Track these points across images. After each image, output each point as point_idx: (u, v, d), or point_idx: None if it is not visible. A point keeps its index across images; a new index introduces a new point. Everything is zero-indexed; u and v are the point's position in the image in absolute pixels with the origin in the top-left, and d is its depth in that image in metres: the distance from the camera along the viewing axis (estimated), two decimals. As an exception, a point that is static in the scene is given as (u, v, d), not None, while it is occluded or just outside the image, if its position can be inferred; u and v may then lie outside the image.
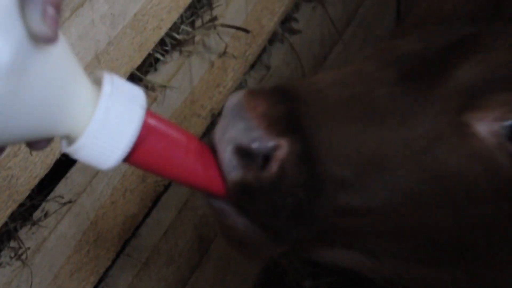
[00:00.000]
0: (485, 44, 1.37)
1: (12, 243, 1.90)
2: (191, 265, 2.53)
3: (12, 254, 1.89)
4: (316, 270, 2.94)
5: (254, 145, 1.27)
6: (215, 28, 2.45)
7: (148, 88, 2.27)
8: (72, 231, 2.02)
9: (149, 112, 1.18)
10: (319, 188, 1.30)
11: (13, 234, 1.91)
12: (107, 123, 1.11)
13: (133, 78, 2.22)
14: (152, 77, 2.29)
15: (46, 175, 1.92)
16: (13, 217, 1.86)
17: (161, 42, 2.26)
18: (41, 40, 1.03)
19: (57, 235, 1.97)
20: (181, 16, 2.30)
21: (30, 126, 1.08)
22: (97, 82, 1.14)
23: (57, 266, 1.98)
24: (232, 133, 1.27)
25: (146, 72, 2.29)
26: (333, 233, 1.35)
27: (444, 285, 1.44)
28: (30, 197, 1.91)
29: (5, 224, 1.83)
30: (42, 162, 1.87)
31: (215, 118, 2.55)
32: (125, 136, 1.13)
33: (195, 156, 1.25)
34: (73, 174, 2.06)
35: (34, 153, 1.82)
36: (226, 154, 1.27)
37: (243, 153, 1.27)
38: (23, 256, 1.89)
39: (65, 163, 2.01)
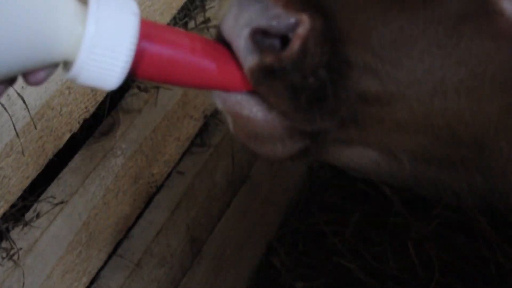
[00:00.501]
0: None
1: (4, 244, 1.89)
2: (183, 266, 2.53)
3: (4, 255, 1.88)
4: (308, 272, 2.95)
5: (273, 24, 1.23)
6: (208, 29, 2.45)
7: (141, 89, 2.28)
8: (64, 232, 2.01)
9: (143, 20, 1.15)
10: (343, 70, 1.27)
11: (5, 234, 1.91)
12: (100, 36, 1.09)
13: (126, 78, 2.23)
14: None
15: (38, 176, 1.91)
16: (5, 217, 1.85)
17: (172, 20, 2.26)
18: None
19: (49, 236, 1.97)
20: (174, 18, 2.30)
21: (21, 51, 1.06)
22: (85, 1, 1.11)
23: (49, 267, 1.97)
24: (247, 17, 1.23)
25: None
26: (354, 125, 1.31)
27: (461, 190, 1.42)
28: (22, 197, 1.91)
29: None
30: (35, 163, 1.87)
31: (207, 120, 2.55)
32: (122, 47, 1.11)
33: (203, 53, 1.22)
34: (65, 174, 2.06)
35: (26, 153, 1.83)
36: (242, 40, 1.23)
37: (260, 36, 1.23)
38: (15, 257, 1.88)
39: (57, 164, 2.01)
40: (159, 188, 2.41)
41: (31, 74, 1.11)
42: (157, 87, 2.31)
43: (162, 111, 2.30)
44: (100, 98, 2.08)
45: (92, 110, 2.04)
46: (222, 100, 1.30)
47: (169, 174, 2.42)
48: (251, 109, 1.29)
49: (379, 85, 1.30)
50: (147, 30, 1.16)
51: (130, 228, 2.31)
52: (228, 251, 2.74)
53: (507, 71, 1.31)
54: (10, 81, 1.11)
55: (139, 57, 1.14)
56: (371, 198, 3.17)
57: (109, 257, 2.24)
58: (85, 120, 2.04)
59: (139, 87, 2.27)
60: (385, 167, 1.40)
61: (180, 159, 2.48)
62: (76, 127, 2.01)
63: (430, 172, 1.40)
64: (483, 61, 1.31)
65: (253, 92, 1.27)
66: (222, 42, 1.26)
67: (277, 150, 1.32)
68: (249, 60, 1.23)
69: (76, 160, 2.09)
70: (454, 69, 1.31)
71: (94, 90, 2.03)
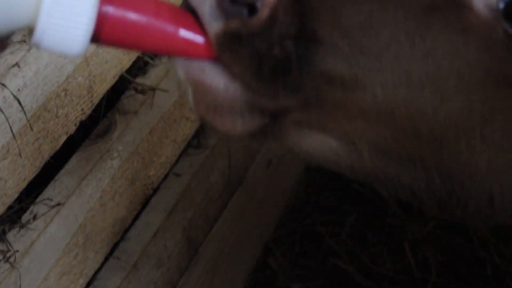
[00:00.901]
0: None
1: (1, 246, 1.89)
2: (180, 268, 2.53)
3: (1, 257, 1.88)
4: (305, 273, 2.95)
5: None
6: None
7: (138, 91, 2.28)
8: (61, 233, 2.01)
9: None
10: (310, 45, 1.26)
11: (2, 236, 1.91)
12: (60, 0, 1.09)
13: (122, 80, 2.23)
14: (142, 80, 2.29)
15: (35, 178, 1.91)
16: (1, 219, 1.85)
17: None
18: None
19: (46, 238, 1.96)
20: None
21: None
22: None
23: (46, 269, 1.97)
24: None
25: (135, 75, 2.29)
26: (317, 107, 1.30)
27: (419, 190, 1.41)
28: (18, 199, 1.91)
29: None
30: (31, 165, 1.87)
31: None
32: (83, 11, 1.10)
33: (168, 18, 1.21)
34: (62, 176, 2.05)
35: (23, 155, 1.82)
36: (207, 5, 1.22)
37: (227, 3, 1.21)
38: (12, 259, 1.88)
39: (54, 166, 2.01)
40: (155, 190, 2.41)
41: None
42: (153, 89, 2.31)
43: (158, 112, 2.30)
44: (96, 100, 2.08)
45: (88, 112, 2.05)
46: (185, 68, 1.28)
47: (166, 176, 2.42)
48: (214, 78, 1.27)
49: (345, 67, 1.29)
50: None
51: (126, 230, 2.31)
52: (225, 252, 2.74)
53: (473, 68, 1.31)
54: None
55: (101, 21, 1.13)
56: (367, 199, 3.17)
57: (106, 259, 2.24)
58: (81, 122, 2.04)
59: (135, 89, 2.28)
60: (344, 158, 1.38)
61: (177, 161, 2.48)
62: (72, 129, 2.01)
63: (389, 167, 1.40)
64: (450, 55, 1.31)
65: (217, 61, 1.26)
66: (190, 10, 1.25)
67: (236, 125, 1.30)
68: (214, 25, 1.22)
69: (73, 162, 2.09)
70: (421, 60, 1.31)
71: (90, 92, 2.03)
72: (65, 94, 1.95)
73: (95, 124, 2.18)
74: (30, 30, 1.10)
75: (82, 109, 2.02)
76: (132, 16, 1.17)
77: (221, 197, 2.70)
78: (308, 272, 2.97)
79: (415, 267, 2.94)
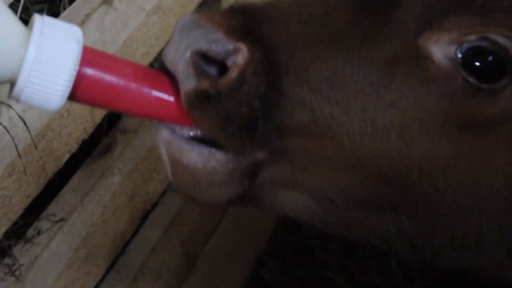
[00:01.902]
0: None
1: (6, 260, 1.90)
2: (178, 280, 2.53)
3: (6, 270, 1.89)
4: (297, 284, 2.96)
5: (213, 47, 1.24)
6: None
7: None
8: (64, 248, 2.02)
9: (87, 48, 1.15)
10: (277, 102, 1.28)
11: (7, 251, 1.92)
12: (41, 60, 1.10)
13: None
14: None
15: (39, 195, 1.92)
16: (7, 235, 1.86)
17: (150, 66, 2.27)
18: None
19: (49, 252, 1.97)
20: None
21: None
22: (30, 26, 1.13)
23: (50, 282, 1.97)
24: (188, 42, 1.25)
25: None
26: (286, 159, 1.32)
27: (390, 234, 1.42)
28: (23, 215, 1.91)
29: (0, 242, 1.83)
30: (35, 182, 1.88)
31: None
32: (62, 72, 1.11)
33: (144, 83, 1.22)
34: (65, 193, 2.07)
35: (28, 173, 1.82)
36: (182, 63, 1.24)
37: (200, 61, 1.24)
38: (17, 272, 1.89)
39: (57, 183, 2.01)
40: (154, 206, 2.42)
41: None
42: None
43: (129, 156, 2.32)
44: (98, 120, 2.08)
45: (90, 131, 2.05)
46: (164, 146, 1.32)
47: (164, 192, 2.43)
48: (191, 158, 1.30)
49: (312, 120, 1.30)
50: (90, 57, 1.16)
51: (126, 244, 2.32)
52: (221, 264, 2.74)
53: (435, 115, 1.33)
54: None
55: (79, 82, 1.14)
56: None
57: (107, 272, 2.25)
58: (84, 141, 2.04)
59: None
60: (318, 213, 1.40)
61: None
62: (75, 147, 2.01)
63: (360, 215, 1.41)
64: (413, 104, 1.32)
65: (194, 140, 1.29)
66: (166, 72, 1.27)
67: (215, 196, 1.33)
68: (186, 84, 1.24)
69: (75, 179, 2.10)
70: (386, 110, 1.32)
71: (92, 112, 2.04)
72: (68, 114, 1.96)
73: (97, 142, 2.19)
74: (11, 84, 1.12)
75: (84, 129, 2.02)
76: (109, 78, 1.19)
77: (216, 212, 2.70)
78: (300, 283, 2.98)
79: (400, 278, 2.95)
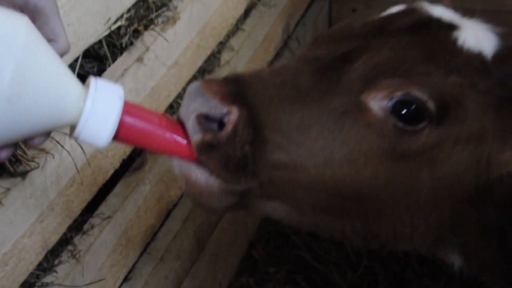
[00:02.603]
0: (374, 48, 1.36)
1: (69, 247, 1.90)
2: (192, 260, 2.52)
3: (69, 255, 1.88)
4: (277, 261, 2.94)
5: (212, 111, 1.25)
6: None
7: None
8: (110, 237, 2.01)
9: (127, 102, 1.15)
10: (261, 146, 1.28)
11: (70, 240, 1.91)
12: (95, 111, 1.09)
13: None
14: None
15: (92, 199, 1.92)
16: (69, 228, 1.85)
17: (170, 106, 2.27)
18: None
19: (100, 241, 1.97)
20: (183, 88, 2.31)
21: (44, 119, 1.06)
22: (86, 85, 1.13)
23: (100, 263, 1.97)
24: (194, 106, 1.25)
25: None
26: (270, 185, 1.32)
27: (347, 232, 1.42)
28: (81, 214, 1.91)
29: (64, 233, 1.83)
30: (89, 191, 1.88)
31: None
32: (109, 120, 1.11)
33: (166, 129, 1.22)
34: (110, 198, 2.06)
35: (84, 184, 1.82)
36: (190, 122, 1.24)
37: (203, 120, 1.25)
38: (77, 256, 1.89)
39: (105, 191, 2.01)
40: (175, 206, 2.40)
41: (32, 139, 1.10)
42: None
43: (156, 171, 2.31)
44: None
45: (128, 153, 2.05)
46: (178, 166, 1.30)
47: (181, 196, 2.41)
48: (197, 175, 1.29)
49: (287, 157, 1.30)
50: (129, 109, 1.16)
51: (155, 234, 2.30)
52: (222, 248, 2.73)
53: (375, 150, 1.32)
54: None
55: (120, 127, 1.14)
56: None
57: (141, 254, 2.23)
58: (124, 160, 2.04)
59: None
60: (294, 216, 1.40)
61: None
62: (117, 165, 2.01)
63: (325, 219, 1.41)
64: (358, 142, 1.32)
65: (199, 163, 1.28)
66: (180, 122, 1.27)
67: (215, 204, 1.33)
68: (195, 137, 1.24)
69: (118, 187, 2.09)
70: (339, 147, 1.31)
71: (111, 157, 2.05)
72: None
73: (133, 161, 2.18)
74: (72, 128, 1.12)
75: (124, 151, 2.02)
76: (141, 125, 1.18)
77: (206, 232, 2.69)
78: (280, 260, 2.96)
79: (352, 255, 2.92)
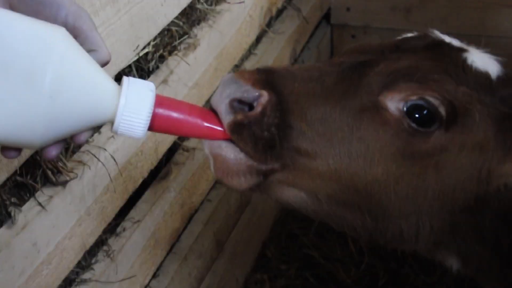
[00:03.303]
0: (392, 59, 1.36)
1: (105, 248, 1.90)
2: (212, 258, 2.51)
3: (105, 254, 1.89)
4: (288, 258, 2.92)
5: (244, 95, 1.22)
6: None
7: (184, 150, 2.28)
8: (140, 239, 2.01)
9: (158, 95, 1.13)
10: (287, 131, 1.26)
11: (105, 242, 1.92)
12: (128, 106, 1.08)
13: (175, 144, 2.23)
14: (187, 143, 2.30)
15: (124, 205, 1.93)
16: (104, 231, 1.86)
17: None
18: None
19: (131, 242, 1.97)
20: (202, 106, 2.30)
21: (85, 117, 1.06)
22: (120, 84, 1.12)
23: (131, 261, 1.97)
24: (227, 92, 1.23)
25: (183, 140, 2.29)
26: (292, 169, 1.29)
27: (357, 226, 1.39)
28: (114, 219, 1.91)
29: (100, 236, 1.84)
30: (121, 198, 1.89)
31: None
32: (143, 112, 1.09)
33: (198, 116, 1.19)
34: (140, 204, 2.06)
35: (116, 192, 1.83)
36: (223, 106, 1.22)
37: (236, 104, 1.22)
38: (111, 255, 1.89)
39: (135, 198, 2.03)
40: (196, 210, 2.39)
41: (78, 136, 1.09)
42: (194, 149, 2.29)
43: (197, 163, 2.31)
44: (160, 156, 2.08)
45: (155, 164, 2.05)
46: (208, 146, 1.27)
47: (202, 202, 2.42)
48: (227, 152, 1.25)
49: (309, 145, 1.28)
50: (161, 101, 1.14)
51: (179, 235, 2.30)
52: (239, 247, 2.73)
53: (389, 147, 1.30)
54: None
55: (154, 118, 1.12)
56: None
57: (167, 254, 2.23)
58: (151, 170, 2.04)
59: (183, 149, 2.28)
60: (310, 205, 1.36)
61: (209, 192, 2.47)
62: (145, 175, 2.01)
63: (338, 211, 1.37)
64: (374, 138, 1.30)
65: (228, 141, 1.24)
66: (212, 110, 1.25)
67: (241, 182, 1.28)
68: (227, 118, 1.21)
69: (146, 195, 2.10)
70: (356, 142, 1.29)
71: (156, 151, 2.04)
72: (141, 153, 1.96)
73: (159, 171, 2.18)
74: (111, 124, 1.11)
75: (151, 162, 2.02)
76: (173, 114, 1.16)
77: (236, 213, 2.68)
78: (290, 258, 2.95)
79: (355, 253, 2.90)
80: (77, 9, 1.10)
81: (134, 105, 1.08)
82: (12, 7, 1.06)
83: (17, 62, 0.96)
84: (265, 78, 1.27)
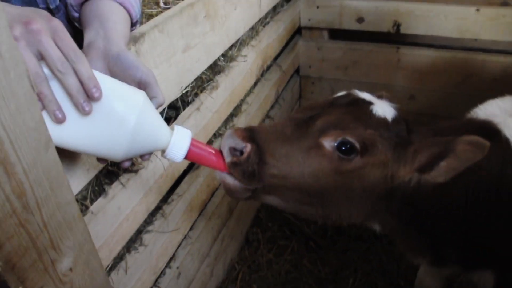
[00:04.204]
0: (327, 114, 1.33)
1: (160, 211, 1.86)
2: (226, 218, 2.45)
3: (160, 215, 1.84)
4: (273, 219, 2.86)
5: (237, 146, 1.22)
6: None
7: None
8: (182, 206, 1.95)
9: (193, 139, 1.13)
10: (263, 165, 1.24)
11: (161, 207, 1.86)
12: (176, 143, 1.08)
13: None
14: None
15: (172, 185, 1.87)
16: (161, 201, 1.83)
17: (214, 135, 2.20)
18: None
19: (177, 208, 1.91)
20: (221, 125, 2.26)
21: (148, 146, 1.05)
22: (172, 128, 1.13)
23: (177, 220, 1.91)
24: (227, 142, 1.22)
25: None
26: (270, 187, 1.27)
27: (315, 215, 1.35)
28: (167, 193, 1.87)
29: (158, 204, 1.79)
30: (171, 180, 1.83)
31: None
32: (184, 148, 1.09)
33: (213, 155, 1.18)
34: (182, 184, 2.01)
35: (168, 176, 1.78)
36: (225, 151, 1.21)
37: (232, 150, 1.22)
38: (165, 215, 1.84)
39: (179, 181, 1.97)
40: (216, 189, 2.30)
41: (143, 156, 1.10)
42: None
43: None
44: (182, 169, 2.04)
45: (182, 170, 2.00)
46: (218, 175, 1.26)
47: (219, 185, 2.32)
48: (229, 181, 1.25)
49: (277, 171, 1.26)
50: (194, 143, 1.14)
51: (206, 204, 2.22)
52: (243, 212, 2.65)
53: (327, 169, 1.27)
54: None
55: (188, 153, 1.12)
56: None
57: (198, 215, 2.16)
58: (189, 164, 2.00)
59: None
60: (283, 205, 1.33)
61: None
62: (185, 167, 1.96)
63: (300, 207, 1.34)
64: (318, 164, 1.27)
65: (230, 174, 1.24)
66: (220, 151, 1.24)
67: (238, 195, 1.28)
68: (228, 159, 1.21)
69: (186, 178, 2.06)
70: (307, 167, 1.26)
71: (183, 163, 2.00)
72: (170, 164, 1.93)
73: (194, 164, 2.12)
74: (162, 151, 1.10)
75: (178, 170, 1.98)
76: (199, 151, 1.15)
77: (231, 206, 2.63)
78: (274, 219, 2.86)
79: (330, 230, 2.81)
80: (147, 70, 1.11)
81: (179, 144, 1.09)
82: (109, 67, 1.07)
83: (114, 111, 0.97)
84: (249, 134, 1.26)
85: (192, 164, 2.10)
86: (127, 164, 1.09)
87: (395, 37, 3.11)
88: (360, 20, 3.05)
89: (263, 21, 2.70)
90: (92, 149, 0.97)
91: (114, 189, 1.51)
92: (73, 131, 0.93)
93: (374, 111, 1.35)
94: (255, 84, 2.71)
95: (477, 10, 2.78)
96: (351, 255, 2.64)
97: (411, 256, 1.63)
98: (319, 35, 3.23)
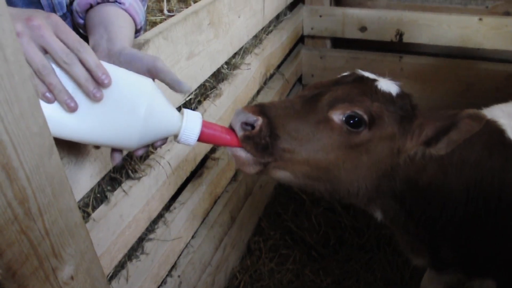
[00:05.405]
0: (334, 90, 1.34)
1: (162, 219, 1.85)
2: (228, 227, 2.45)
3: (163, 223, 1.84)
4: (274, 227, 2.86)
5: (248, 119, 1.22)
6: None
7: (212, 159, 2.25)
8: (185, 214, 1.96)
9: (204, 120, 1.13)
10: (275, 139, 1.25)
11: (163, 215, 1.86)
12: (187, 127, 1.08)
13: (206, 156, 2.20)
14: (213, 155, 2.28)
15: (175, 193, 1.87)
16: (163, 209, 1.85)
17: None
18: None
19: (179, 216, 1.93)
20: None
21: (160, 133, 1.05)
22: (181, 113, 1.12)
23: (179, 228, 1.92)
24: (239, 118, 1.23)
25: (212, 152, 2.27)
26: (281, 160, 1.27)
27: (322, 191, 1.36)
28: (169, 201, 1.88)
29: (160, 211, 1.80)
30: (173, 188, 1.84)
31: (237, 171, 2.51)
32: (195, 130, 1.09)
33: (225, 133, 1.19)
34: (184, 192, 2.02)
35: (170, 184, 1.80)
36: (237, 126, 1.22)
37: (244, 125, 1.23)
38: (167, 223, 1.84)
39: (181, 188, 1.98)
40: (219, 197, 2.33)
41: (156, 143, 1.08)
42: (218, 158, 2.25)
43: (220, 167, 2.27)
44: (197, 163, 2.03)
45: (194, 168, 2.01)
46: (231, 151, 1.26)
47: (222, 192, 2.36)
48: (241, 153, 1.24)
49: (288, 145, 1.26)
50: (205, 124, 1.13)
51: (208, 213, 2.24)
52: (244, 221, 2.65)
53: (336, 142, 1.27)
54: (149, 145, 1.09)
55: (201, 134, 1.11)
56: (301, 201, 3.11)
57: (201, 223, 2.16)
58: (191, 172, 2.00)
59: (212, 158, 2.25)
60: (293, 181, 1.34)
61: (227, 186, 2.43)
62: (188, 174, 1.97)
63: (310, 182, 1.34)
64: (327, 139, 1.27)
65: (241, 147, 1.24)
66: (231, 128, 1.24)
67: (250, 170, 1.27)
68: (240, 133, 1.21)
69: (188, 187, 2.06)
70: (316, 141, 1.27)
71: (195, 160, 2.00)
72: (186, 161, 1.93)
73: (196, 172, 2.15)
74: (175, 136, 1.10)
75: (192, 166, 1.99)
76: (211, 132, 1.16)
77: (243, 199, 2.63)
78: (276, 227, 2.86)
79: (316, 224, 2.84)
80: (153, 57, 1.08)
81: (190, 127, 1.09)
82: (117, 58, 1.06)
83: (125, 97, 0.98)
84: (260, 109, 1.28)
85: (194, 172, 2.10)
86: (140, 152, 1.05)
87: (398, 46, 3.12)
88: (363, 29, 3.06)
89: (267, 30, 2.72)
90: (106, 139, 0.97)
91: (117, 197, 1.51)
92: (86, 122, 0.93)
93: (379, 87, 1.37)
94: (258, 92, 2.72)
95: (480, 19, 2.80)
96: (354, 264, 2.64)
97: (411, 256, 1.64)
98: (322, 44, 3.25)
